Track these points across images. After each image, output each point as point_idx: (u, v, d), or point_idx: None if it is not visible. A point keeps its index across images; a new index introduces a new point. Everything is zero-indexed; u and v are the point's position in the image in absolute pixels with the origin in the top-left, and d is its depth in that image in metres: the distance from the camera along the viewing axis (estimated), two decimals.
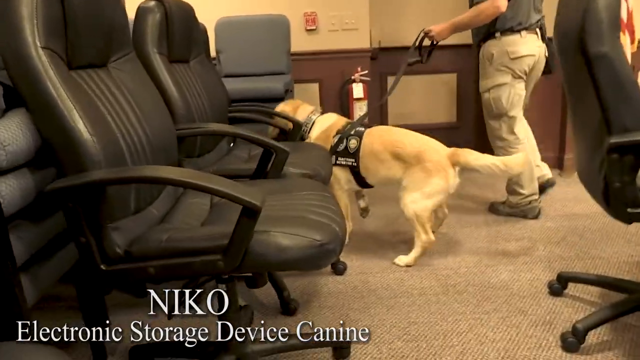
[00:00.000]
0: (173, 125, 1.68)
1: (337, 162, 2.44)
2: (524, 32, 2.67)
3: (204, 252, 1.18)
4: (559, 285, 2.02)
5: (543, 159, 3.91)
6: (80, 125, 1.18)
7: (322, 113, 2.66)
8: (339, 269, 2.32)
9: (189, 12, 2.19)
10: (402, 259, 2.38)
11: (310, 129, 2.57)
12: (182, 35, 2.13)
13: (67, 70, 1.27)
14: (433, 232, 2.43)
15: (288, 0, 3.70)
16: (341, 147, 2.43)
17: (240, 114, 2.66)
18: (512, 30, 2.67)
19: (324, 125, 2.54)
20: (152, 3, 1.96)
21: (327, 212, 1.37)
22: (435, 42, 2.82)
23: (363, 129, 2.44)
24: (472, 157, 2.28)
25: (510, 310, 1.93)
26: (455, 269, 2.32)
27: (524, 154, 2.28)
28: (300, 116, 2.60)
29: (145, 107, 1.54)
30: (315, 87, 3.81)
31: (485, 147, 4.08)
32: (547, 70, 2.84)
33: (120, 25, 1.53)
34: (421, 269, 2.33)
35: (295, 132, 2.51)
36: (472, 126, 4.18)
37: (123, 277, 1.23)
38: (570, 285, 2.04)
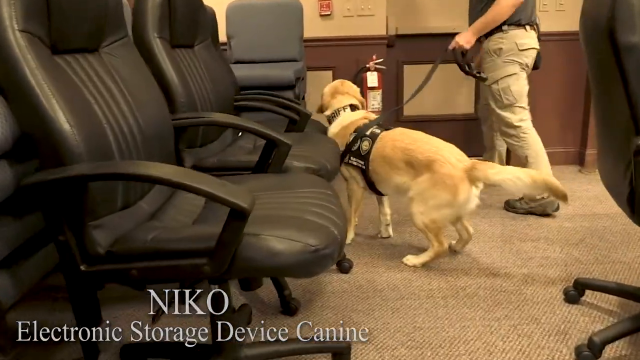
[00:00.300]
0: (169, 114, 1.59)
1: (350, 161, 2.38)
2: (527, 27, 2.73)
3: (189, 254, 1.10)
4: (575, 292, 1.90)
5: (564, 154, 3.78)
6: (60, 115, 1.09)
7: (355, 109, 2.52)
8: (344, 267, 2.23)
9: None
10: (411, 259, 2.28)
11: (334, 121, 2.51)
12: (186, 18, 2.04)
13: (50, 54, 1.19)
14: (455, 251, 2.35)
15: None
16: (355, 146, 2.36)
17: (247, 103, 2.56)
18: (519, 24, 2.70)
19: (345, 121, 2.46)
20: None
21: (327, 213, 1.28)
22: (466, 52, 2.80)
23: (379, 130, 2.34)
24: (493, 170, 2.06)
25: (522, 318, 1.83)
26: (466, 270, 2.21)
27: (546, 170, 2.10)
28: (335, 105, 2.52)
29: (138, 95, 1.46)
30: (328, 74, 3.69)
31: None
32: (535, 66, 2.90)
33: (114, 7, 1.44)
34: (430, 268, 2.23)
35: (302, 122, 2.41)
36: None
37: (105, 279, 1.16)
38: (588, 292, 1.92)
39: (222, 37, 3.42)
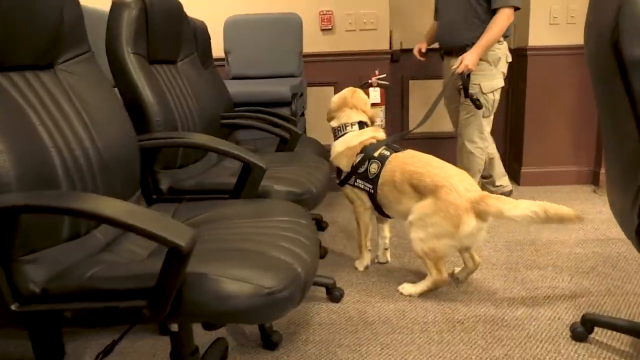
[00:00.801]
0: (134, 135, 1.48)
1: (356, 183, 2.25)
2: (506, 40, 2.88)
3: (127, 295, 0.97)
4: (583, 329, 1.73)
5: (577, 173, 3.59)
6: None
7: (364, 125, 2.34)
8: (335, 296, 2.09)
9: (175, 7, 1.99)
10: (407, 288, 2.13)
11: (339, 137, 2.32)
12: (166, 33, 1.94)
13: None
14: (458, 280, 2.21)
15: None
16: (362, 169, 2.22)
17: (237, 121, 2.45)
18: (506, 36, 2.84)
19: (352, 141, 2.28)
20: None
21: (295, 247, 1.14)
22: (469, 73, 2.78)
23: (388, 153, 2.20)
24: (507, 206, 1.88)
25: (524, 358, 1.66)
26: (465, 300, 2.05)
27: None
28: (342, 119, 2.33)
29: (98, 115, 1.35)
30: (330, 90, 3.57)
31: (517, 155, 3.79)
32: None
33: (72, 21, 1.34)
34: (426, 299, 2.07)
35: (293, 141, 2.29)
36: (502, 134, 3.88)
37: (38, 320, 1.03)
38: (597, 329, 1.75)
39: (220, 52, 3.34)
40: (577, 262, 2.36)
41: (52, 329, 1.19)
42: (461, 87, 2.81)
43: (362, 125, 2.32)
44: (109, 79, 1.83)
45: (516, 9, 2.71)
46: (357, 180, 2.24)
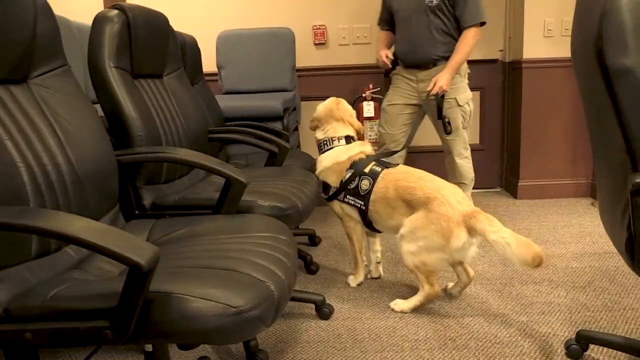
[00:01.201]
0: (111, 150, 1.45)
1: (346, 200, 2.21)
2: None
3: (90, 315, 0.93)
4: (578, 346, 1.68)
5: (574, 186, 3.55)
6: None
7: (350, 140, 2.31)
8: (324, 313, 2.04)
9: (160, 21, 1.98)
10: (399, 304, 2.08)
11: (325, 150, 2.29)
12: (151, 47, 1.92)
13: None
14: (452, 294, 2.17)
15: (296, 12, 3.49)
16: (352, 185, 2.19)
17: (225, 135, 2.43)
18: None
19: (340, 157, 2.24)
20: (112, 12, 1.75)
21: (270, 264, 1.11)
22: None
23: (379, 168, 2.17)
24: (492, 228, 1.83)
25: None
26: (457, 317, 2.00)
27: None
28: (329, 132, 2.30)
29: (73, 129, 1.32)
30: None
31: (514, 169, 3.75)
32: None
33: (46, 35, 1.32)
34: (418, 315, 2.02)
35: (281, 156, 2.26)
36: (499, 149, 3.84)
37: (2, 342, 0.99)
38: (593, 346, 1.70)
39: (213, 67, 3.33)
40: (574, 277, 2.31)
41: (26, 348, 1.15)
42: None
43: (348, 139, 2.29)
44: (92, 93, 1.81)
45: (482, 24, 2.72)
46: (347, 197, 2.20)
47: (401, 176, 2.10)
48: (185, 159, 1.57)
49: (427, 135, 3.79)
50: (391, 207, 2.09)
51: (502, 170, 3.88)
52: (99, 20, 1.73)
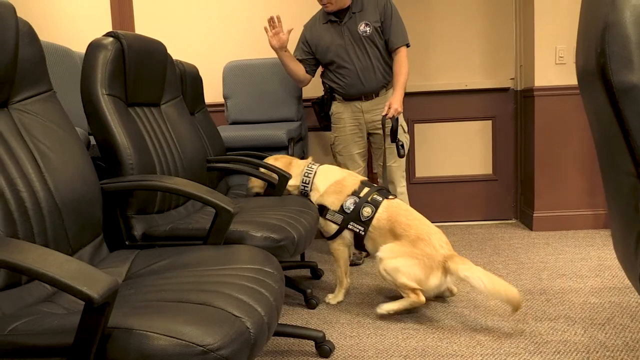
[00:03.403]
0: (95, 178, 1.40)
1: (349, 226, 2.31)
2: None
3: (46, 353, 0.86)
4: None
5: (593, 217, 3.41)
6: None
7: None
8: (324, 350, 1.93)
9: (157, 49, 1.96)
10: (384, 307, 2.17)
11: (313, 179, 2.33)
12: (146, 75, 1.90)
13: None
14: (428, 299, 2.22)
15: None
16: (353, 208, 2.28)
17: (224, 165, 2.38)
18: None
19: (331, 177, 2.35)
20: (106, 39, 1.73)
21: (249, 298, 1.03)
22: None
23: (380, 198, 2.28)
24: (464, 266, 2.06)
25: None
26: (466, 355, 1.87)
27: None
28: (295, 171, 2.35)
29: (53, 157, 1.28)
30: (329, 134, 3.50)
31: (528, 200, 3.63)
32: None
33: (27, 60, 1.29)
34: (425, 354, 1.90)
35: (281, 185, 2.19)
36: (512, 179, 3.73)
37: None
38: None
39: (220, 98, 3.32)
40: (592, 313, 2.17)
41: None
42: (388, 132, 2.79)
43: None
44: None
45: (407, 45, 2.86)
46: (351, 224, 2.29)
47: (402, 212, 2.25)
48: (171, 186, 1.51)
49: (447, 165, 3.72)
50: (383, 235, 2.24)
51: (516, 201, 3.76)
52: (93, 48, 1.71)
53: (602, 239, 3.22)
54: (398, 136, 2.77)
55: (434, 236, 2.14)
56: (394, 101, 2.74)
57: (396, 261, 2.11)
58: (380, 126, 2.81)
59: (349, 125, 2.93)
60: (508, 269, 2.73)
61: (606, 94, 1.11)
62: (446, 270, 2.08)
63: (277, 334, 1.99)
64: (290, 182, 2.32)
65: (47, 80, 1.37)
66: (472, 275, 2.01)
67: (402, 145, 2.77)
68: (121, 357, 0.83)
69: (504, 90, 3.65)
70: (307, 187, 2.32)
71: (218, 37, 3.56)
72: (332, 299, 2.39)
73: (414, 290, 2.10)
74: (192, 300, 0.99)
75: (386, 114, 2.73)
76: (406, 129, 2.94)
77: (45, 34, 2.27)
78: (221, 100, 3.33)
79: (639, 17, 1.04)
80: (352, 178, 2.36)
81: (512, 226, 3.64)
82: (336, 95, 2.94)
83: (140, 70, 1.84)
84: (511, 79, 3.63)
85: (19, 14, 1.27)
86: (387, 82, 2.89)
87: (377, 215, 2.24)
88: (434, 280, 2.08)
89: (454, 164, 3.74)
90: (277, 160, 2.37)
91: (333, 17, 2.82)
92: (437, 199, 3.71)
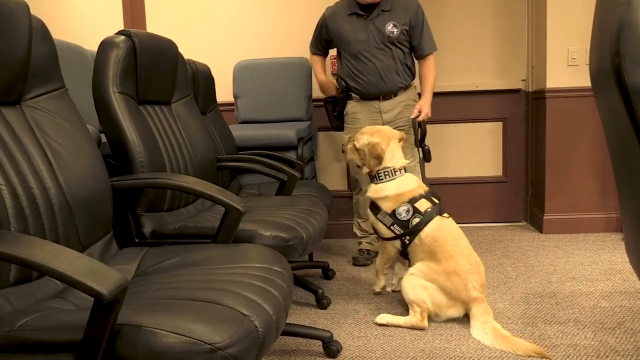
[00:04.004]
0: (105, 175, 1.41)
1: (392, 227, 2.26)
2: None
3: (55, 348, 0.86)
4: None
5: (604, 220, 3.38)
6: None
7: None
8: (331, 351, 1.93)
9: (168, 48, 1.97)
10: (384, 317, 2.18)
11: (386, 181, 2.28)
12: (157, 73, 1.90)
13: None
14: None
15: None
16: (404, 217, 2.23)
17: (235, 164, 2.39)
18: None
19: (403, 188, 2.26)
20: (118, 37, 1.74)
21: (257, 297, 1.03)
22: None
23: (435, 214, 2.22)
24: (482, 319, 2.03)
25: None
26: (474, 358, 1.86)
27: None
28: (387, 162, 2.27)
29: (65, 154, 1.29)
30: (340, 134, 3.50)
31: (539, 202, 3.61)
32: None
33: (40, 57, 1.30)
34: (433, 353, 1.89)
35: (290, 185, 2.19)
36: (523, 181, 3.71)
37: None
38: None
39: (231, 97, 3.33)
40: (602, 317, 2.15)
41: None
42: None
43: (406, 169, 2.34)
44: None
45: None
46: (395, 225, 2.25)
47: (451, 239, 2.17)
48: (180, 184, 1.52)
49: (457, 166, 3.70)
50: (424, 252, 2.20)
51: (526, 204, 3.73)
52: (105, 46, 1.72)
53: (614, 242, 3.19)
54: (410, 138, 2.75)
55: (470, 276, 2.09)
56: (424, 105, 2.74)
57: (425, 283, 2.11)
58: (404, 126, 2.80)
59: (365, 126, 2.87)
60: (517, 272, 2.71)
61: (620, 94, 1.09)
62: (468, 308, 2.09)
63: (285, 333, 1.99)
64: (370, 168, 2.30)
65: (60, 77, 1.37)
66: (481, 328, 2.00)
67: (429, 150, 2.75)
68: (130, 354, 0.83)
69: (516, 91, 3.62)
70: (379, 180, 2.28)
71: (228, 37, 3.56)
72: (376, 287, 2.48)
73: (422, 312, 2.10)
74: (200, 299, 0.99)
75: (416, 117, 2.73)
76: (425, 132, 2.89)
77: (58, 32, 2.29)
78: (231, 99, 3.34)
79: None
80: (418, 187, 2.28)
81: (522, 228, 3.62)
82: (352, 95, 2.88)
83: (151, 68, 1.85)
84: (523, 80, 3.60)
85: (32, 12, 1.28)
86: (407, 84, 2.85)
87: (425, 230, 2.18)
88: (454, 313, 2.11)
89: (464, 165, 3.72)
90: (372, 136, 2.30)
91: (360, 11, 2.76)
92: (447, 200, 3.66)
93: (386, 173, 2.28)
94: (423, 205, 2.22)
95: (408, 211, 2.22)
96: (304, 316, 2.29)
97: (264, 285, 1.10)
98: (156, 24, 3.58)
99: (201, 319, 0.89)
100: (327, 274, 2.77)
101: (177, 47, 2.03)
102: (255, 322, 0.94)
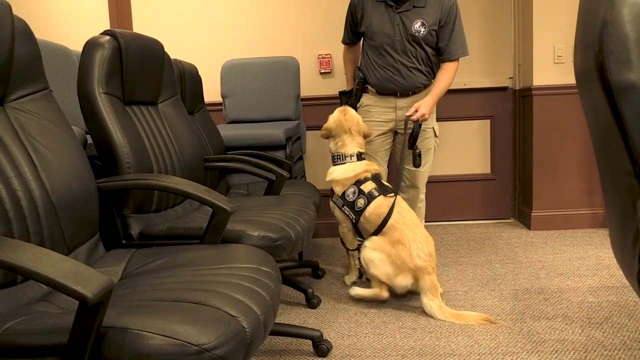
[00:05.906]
0: (91, 177, 1.40)
1: (342, 208, 2.48)
2: None
3: (40, 352, 0.86)
4: None
5: (591, 216, 3.41)
6: None
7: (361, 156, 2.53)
8: (321, 350, 1.93)
9: (154, 48, 1.95)
10: (355, 290, 2.38)
11: (338, 164, 2.51)
12: (144, 73, 1.89)
13: None
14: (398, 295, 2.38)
15: (301, 41, 3.48)
16: (351, 198, 2.44)
17: (222, 164, 2.38)
18: None
19: (349, 172, 2.47)
20: (103, 38, 1.73)
21: (245, 298, 1.03)
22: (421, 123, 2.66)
23: (377, 194, 2.40)
24: (429, 294, 2.21)
25: None
26: (464, 354, 1.87)
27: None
28: (340, 148, 2.51)
29: (49, 155, 1.28)
30: None
31: (526, 199, 3.63)
32: None
33: (23, 57, 1.29)
34: (423, 350, 1.90)
35: (278, 185, 2.19)
36: (510, 178, 3.73)
37: None
38: None
39: (218, 97, 3.32)
40: (590, 312, 2.17)
41: None
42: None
43: (360, 156, 2.50)
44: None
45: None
46: (344, 207, 2.46)
47: (396, 214, 2.33)
48: (167, 185, 1.51)
49: (445, 164, 3.72)
50: (373, 228, 2.37)
51: (514, 201, 3.76)
52: (90, 46, 1.70)
53: (600, 238, 3.22)
54: (423, 141, 2.68)
55: (414, 245, 2.24)
56: (422, 105, 2.58)
57: (374, 254, 2.28)
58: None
59: (376, 120, 2.75)
60: (506, 268, 2.73)
61: (604, 92, 1.10)
62: (417, 278, 2.22)
63: (274, 333, 1.99)
64: (330, 145, 2.55)
65: (44, 78, 1.36)
66: (428, 303, 2.19)
67: (420, 154, 2.61)
68: (116, 357, 0.83)
69: (503, 89, 3.64)
70: (333, 161, 2.53)
71: (216, 36, 3.55)
72: (347, 279, 2.64)
73: (380, 283, 2.28)
74: (187, 300, 0.99)
75: (411, 115, 2.58)
76: (437, 132, 2.80)
77: (42, 32, 2.27)
78: (219, 99, 3.33)
79: (638, 15, 1.04)
80: (365, 169, 2.46)
81: (510, 225, 3.64)
82: (369, 87, 2.75)
83: (137, 68, 1.83)
84: (510, 78, 3.63)
85: (15, 12, 1.26)
86: (427, 84, 2.72)
87: (368, 208, 2.36)
88: (402, 281, 2.24)
89: (453, 163, 3.74)
90: (335, 119, 2.55)
91: (390, 1, 2.60)
92: (435, 197, 3.70)
93: (338, 157, 2.50)
94: (368, 186, 2.40)
95: (355, 192, 2.41)
96: (294, 315, 2.29)
97: (251, 285, 1.10)
98: (143, 24, 3.56)
99: (188, 320, 0.88)
100: (317, 273, 2.78)
101: (163, 47, 2.02)
102: (242, 323, 0.94)
